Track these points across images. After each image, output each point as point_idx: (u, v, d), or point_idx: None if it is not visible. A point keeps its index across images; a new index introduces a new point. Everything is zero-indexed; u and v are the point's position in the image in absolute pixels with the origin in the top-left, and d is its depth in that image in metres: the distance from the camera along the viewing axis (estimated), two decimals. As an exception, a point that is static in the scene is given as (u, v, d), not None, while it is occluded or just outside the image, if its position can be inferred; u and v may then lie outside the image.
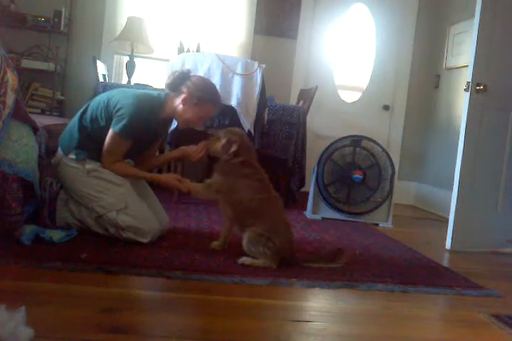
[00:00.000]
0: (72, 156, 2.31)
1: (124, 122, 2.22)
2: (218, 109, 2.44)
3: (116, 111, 2.24)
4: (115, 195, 2.28)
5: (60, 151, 2.37)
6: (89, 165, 2.31)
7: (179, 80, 2.34)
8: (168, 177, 2.40)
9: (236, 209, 2.17)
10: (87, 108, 2.36)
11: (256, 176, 2.19)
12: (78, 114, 2.37)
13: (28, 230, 2.10)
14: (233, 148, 2.16)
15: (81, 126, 2.33)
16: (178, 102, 2.34)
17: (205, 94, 2.33)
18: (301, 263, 2.15)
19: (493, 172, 3.01)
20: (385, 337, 1.53)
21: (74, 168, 2.32)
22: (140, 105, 2.25)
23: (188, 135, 3.39)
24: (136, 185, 2.46)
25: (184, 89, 2.32)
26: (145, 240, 2.27)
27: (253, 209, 2.13)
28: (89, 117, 2.32)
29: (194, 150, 2.39)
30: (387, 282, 2.05)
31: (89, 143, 2.33)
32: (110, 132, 2.26)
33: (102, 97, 2.35)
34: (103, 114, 2.28)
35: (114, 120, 2.24)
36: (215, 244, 2.31)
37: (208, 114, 2.41)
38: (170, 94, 2.37)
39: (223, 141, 2.21)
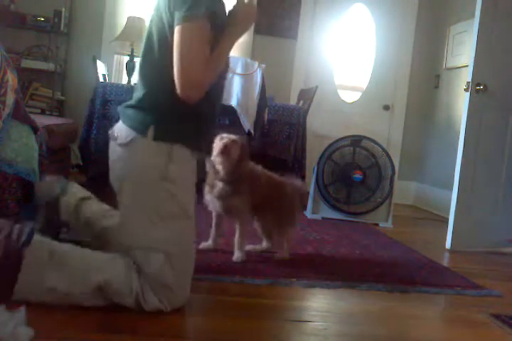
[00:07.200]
0: (150, 134, 1.52)
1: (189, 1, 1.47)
2: None
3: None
4: (175, 229, 1.56)
5: (128, 130, 1.55)
6: (173, 165, 1.54)
7: None
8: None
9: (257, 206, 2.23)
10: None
11: (253, 173, 2.20)
12: (139, 64, 1.63)
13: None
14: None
15: (148, 71, 1.59)
16: None
17: None
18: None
19: (493, 172, 3.01)
20: (385, 337, 1.53)
21: (150, 158, 1.53)
22: None
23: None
24: None
25: None
26: (167, 309, 1.49)
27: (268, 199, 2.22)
28: (148, 49, 1.58)
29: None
30: (387, 282, 2.06)
31: (170, 97, 1.50)
32: (177, 28, 1.47)
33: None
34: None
35: (177, 12, 1.48)
36: (205, 245, 2.26)
37: None
38: None
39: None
